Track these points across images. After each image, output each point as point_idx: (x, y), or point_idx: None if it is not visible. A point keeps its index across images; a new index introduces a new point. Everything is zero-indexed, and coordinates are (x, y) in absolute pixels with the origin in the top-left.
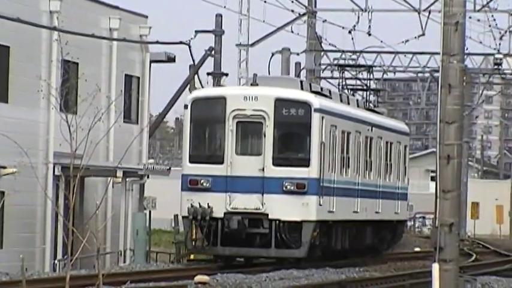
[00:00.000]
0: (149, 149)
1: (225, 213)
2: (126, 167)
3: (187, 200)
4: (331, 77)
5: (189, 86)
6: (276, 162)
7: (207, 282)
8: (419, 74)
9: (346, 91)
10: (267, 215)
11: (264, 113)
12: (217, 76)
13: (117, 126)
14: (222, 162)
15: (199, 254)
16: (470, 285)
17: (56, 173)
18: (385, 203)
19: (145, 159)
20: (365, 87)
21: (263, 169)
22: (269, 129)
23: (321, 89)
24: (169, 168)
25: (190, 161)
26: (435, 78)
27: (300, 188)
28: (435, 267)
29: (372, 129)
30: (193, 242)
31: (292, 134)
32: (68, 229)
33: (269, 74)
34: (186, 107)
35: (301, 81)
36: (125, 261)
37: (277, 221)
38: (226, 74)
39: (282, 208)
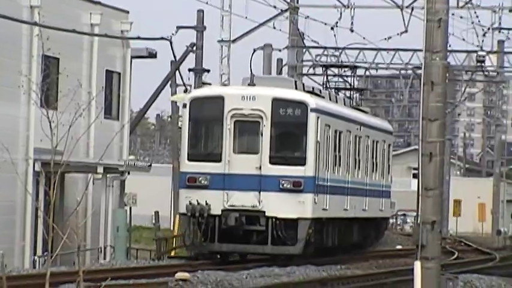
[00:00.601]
0: (130, 145)
1: (222, 211)
2: (106, 163)
3: (185, 197)
4: (314, 74)
5: (170, 82)
6: (273, 161)
7: (188, 279)
8: (402, 71)
9: (329, 90)
10: (264, 212)
11: (261, 113)
12: (199, 72)
13: (98, 122)
14: (220, 160)
15: (197, 251)
16: (452, 283)
17: (36, 169)
18: (371, 201)
19: (126, 155)
20: (349, 86)
21: (260, 167)
22: (266, 128)
23: (313, 88)
24: (150, 165)
25: (189, 159)
26: (418, 75)
27: (297, 186)
28: (417, 265)
29: (360, 128)
30: (191, 239)
31: (288, 133)
32: (48, 225)
33: (251, 71)
34: (184, 106)
35: (295, 82)
36: (105, 258)
37: (274, 218)
38: (208, 71)
39: (279, 206)
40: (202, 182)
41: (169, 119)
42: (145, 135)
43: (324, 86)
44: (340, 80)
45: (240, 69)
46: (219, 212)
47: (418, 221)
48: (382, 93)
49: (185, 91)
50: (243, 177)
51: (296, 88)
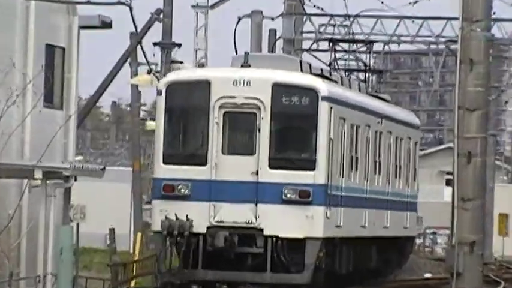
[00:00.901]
0: (77, 143)
1: (208, 228)
2: (47, 166)
3: (160, 210)
4: (317, 50)
5: (129, 60)
6: (274, 164)
7: None
8: (432, 46)
9: (338, 71)
10: (262, 230)
11: (258, 102)
12: (167, 47)
13: (35, 112)
14: (205, 164)
15: (175, 280)
16: None
17: None
18: (394, 215)
19: (72, 155)
20: (363, 67)
21: (257, 172)
22: (265, 122)
23: (321, 70)
24: (104, 168)
25: (165, 162)
26: (452, 51)
27: (304, 197)
28: None
29: (381, 122)
30: (168, 265)
31: (293, 129)
32: None
33: (235, 44)
34: (159, 93)
35: (301, 62)
36: None
37: (274, 238)
38: (179, 45)
39: (281, 222)
40: (182, 191)
41: (128, 108)
42: (98, 129)
43: (331, 66)
44: (352, 57)
45: (221, 44)
46: (204, 230)
47: (453, 242)
48: (406, 74)
49: (149, 72)
50: (235, 185)
51: (301, 70)
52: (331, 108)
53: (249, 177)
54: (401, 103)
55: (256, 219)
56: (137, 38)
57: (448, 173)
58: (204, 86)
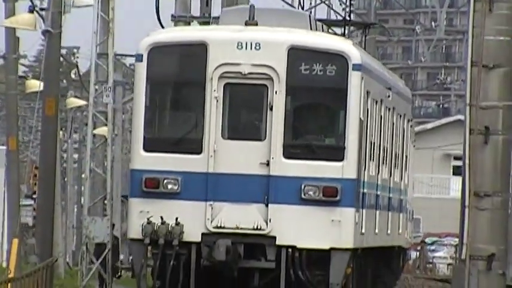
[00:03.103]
0: None
1: (204, 235)
2: None
3: (140, 212)
4: None
5: None
6: (290, 153)
7: None
8: None
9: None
10: (274, 238)
11: (270, 71)
12: None
13: None
14: (200, 152)
15: None
16: None
17: None
18: (394, 218)
19: None
20: (343, 19)
21: (268, 163)
22: (278, 98)
23: (328, 28)
24: None
25: (146, 149)
26: None
27: (330, 196)
28: None
29: (389, 95)
30: (153, 283)
31: (316, 106)
32: None
33: None
34: (138, 58)
35: (309, 16)
36: None
37: (291, 249)
38: None
39: (299, 228)
40: (170, 186)
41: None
42: None
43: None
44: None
45: None
46: (199, 238)
47: (462, 255)
48: (399, 16)
49: (31, 11)
50: (239, 180)
51: (311, 28)
52: (362, 79)
53: (258, 169)
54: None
55: (266, 224)
56: None
57: (456, 158)
58: (199, 49)
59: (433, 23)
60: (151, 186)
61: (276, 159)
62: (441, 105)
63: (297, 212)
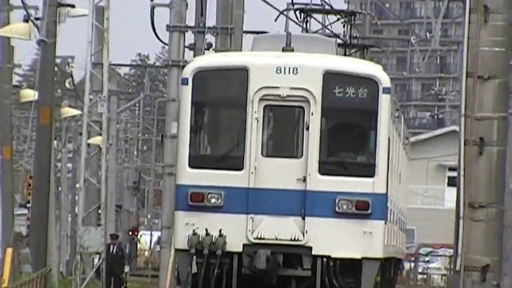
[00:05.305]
0: None
1: (245, 246)
2: None
3: (185, 224)
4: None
5: None
6: (325, 169)
7: None
8: None
9: None
10: (310, 248)
11: (307, 93)
12: None
13: None
14: (241, 168)
15: None
16: None
17: None
18: (396, 229)
19: None
20: (344, 43)
21: (304, 179)
22: (314, 118)
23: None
24: None
25: (191, 165)
26: None
27: (362, 209)
28: None
29: (398, 116)
30: None
31: (349, 126)
32: None
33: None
34: (184, 81)
35: (335, 43)
36: None
37: (326, 259)
38: None
39: (333, 239)
40: (213, 201)
41: None
42: None
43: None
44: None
45: None
46: (240, 248)
47: (457, 266)
48: (393, 26)
49: (26, 20)
50: (278, 194)
51: (336, 52)
52: (390, 101)
53: (295, 184)
54: (386, 67)
55: (303, 235)
56: None
57: (451, 169)
58: (241, 74)
59: (428, 33)
60: (196, 200)
61: (312, 175)
62: (436, 116)
63: (331, 224)
